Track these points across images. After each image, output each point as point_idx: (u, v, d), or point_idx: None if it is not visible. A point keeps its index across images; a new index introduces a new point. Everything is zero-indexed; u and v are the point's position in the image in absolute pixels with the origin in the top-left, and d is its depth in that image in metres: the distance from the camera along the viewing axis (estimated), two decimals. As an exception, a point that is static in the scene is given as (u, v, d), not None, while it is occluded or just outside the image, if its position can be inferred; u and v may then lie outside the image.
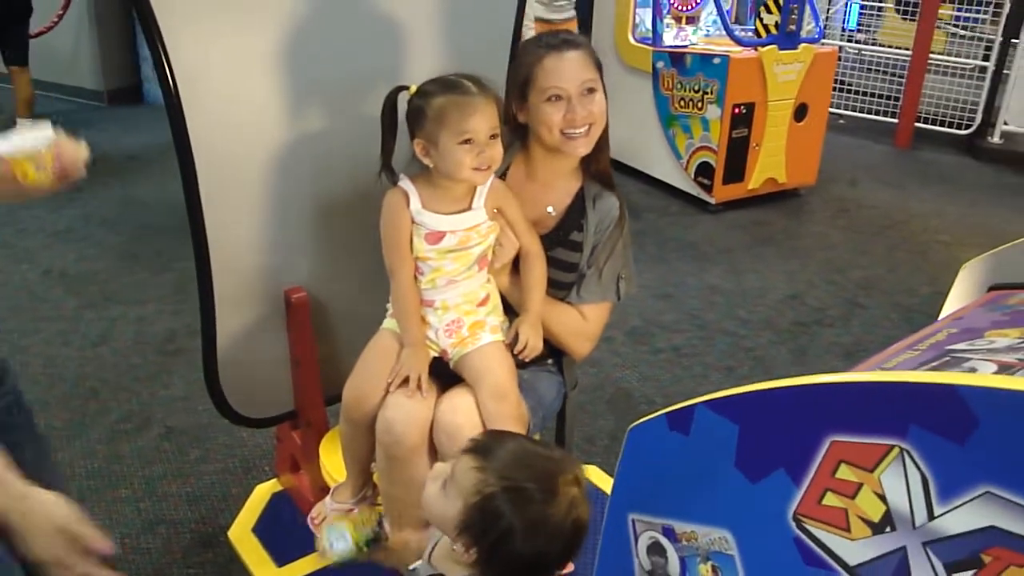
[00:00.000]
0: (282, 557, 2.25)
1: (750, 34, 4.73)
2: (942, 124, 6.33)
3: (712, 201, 4.86)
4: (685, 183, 4.97)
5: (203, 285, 1.97)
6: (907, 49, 6.31)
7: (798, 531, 0.78)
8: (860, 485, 0.73)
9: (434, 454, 1.76)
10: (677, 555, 0.91)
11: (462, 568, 1.20)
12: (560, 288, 1.89)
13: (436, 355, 1.80)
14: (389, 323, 1.85)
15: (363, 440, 1.84)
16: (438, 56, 2.05)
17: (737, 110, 4.64)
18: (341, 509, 1.92)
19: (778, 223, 4.83)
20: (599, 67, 1.83)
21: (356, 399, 1.80)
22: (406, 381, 1.74)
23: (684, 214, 4.89)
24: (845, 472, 0.73)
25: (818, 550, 0.77)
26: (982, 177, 5.79)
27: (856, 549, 0.74)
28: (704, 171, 4.84)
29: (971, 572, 0.66)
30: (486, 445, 1.22)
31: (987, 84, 6.07)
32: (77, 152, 1.46)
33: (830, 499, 0.75)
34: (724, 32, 4.75)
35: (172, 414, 2.91)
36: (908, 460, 0.69)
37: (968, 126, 6.23)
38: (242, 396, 2.13)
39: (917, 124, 6.28)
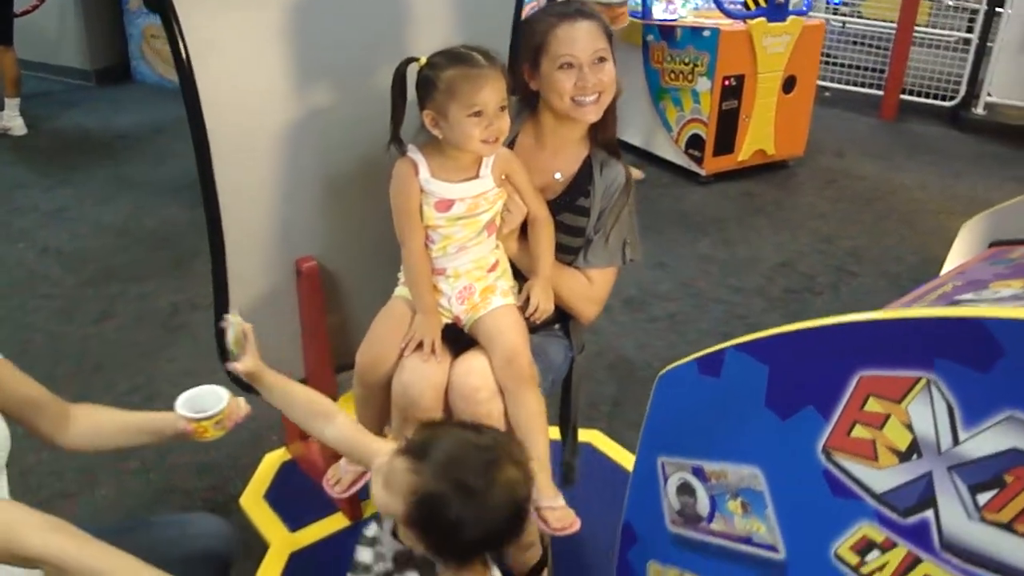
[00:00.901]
0: (294, 522, 2.30)
1: (739, 7, 4.75)
2: (927, 96, 6.39)
3: (702, 173, 4.91)
4: (676, 155, 5.02)
5: (216, 255, 2.01)
6: (891, 22, 6.36)
7: (827, 463, 0.83)
8: (888, 416, 0.78)
9: (449, 416, 1.81)
10: (707, 494, 0.96)
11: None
12: (567, 252, 1.94)
13: (449, 321, 1.85)
14: (401, 291, 1.89)
15: (376, 404, 1.89)
16: (443, 29, 2.08)
17: (727, 82, 4.68)
18: (356, 471, 1.97)
19: (767, 194, 4.89)
20: (610, 37, 1.88)
21: (370, 363, 1.85)
22: (420, 346, 1.79)
23: (675, 185, 4.94)
24: (873, 405, 0.78)
25: (846, 480, 0.82)
26: (967, 147, 5.86)
27: (883, 477, 0.79)
28: (695, 143, 4.88)
29: (993, 492, 0.72)
30: (418, 444, 1.23)
31: (971, 56, 6.13)
32: (242, 409, 1.60)
33: (858, 431, 0.80)
34: (713, 5, 4.78)
35: (178, 387, 2.91)
36: (935, 390, 0.74)
37: (952, 98, 6.30)
38: (253, 364, 2.17)
39: (902, 96, 6.34)
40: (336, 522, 2.29)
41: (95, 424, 1.57)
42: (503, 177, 1.81)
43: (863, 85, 6.62)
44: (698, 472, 0.96)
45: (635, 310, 3.55)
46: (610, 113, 1.92)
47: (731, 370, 0.90)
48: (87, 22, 6.44)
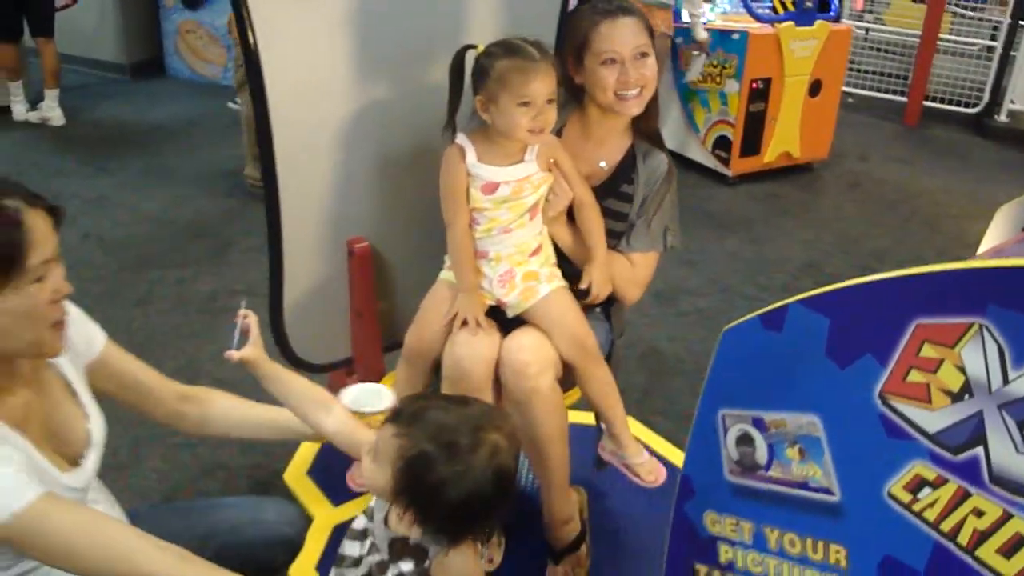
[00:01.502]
0: (337, 497, 2.37)
1: (767, 11, 4.83)
2: (950, 103, 6.44)
3: (729, 174, 4.99)
4: (703, 156, 5.09)
5: (273, 235, 2.09)
6: (913, 30, 6.42)
7: (883, 408, 0.91)
8: (942, 361, 0.85)
9: (498, 391, 1.89)
10: (765, 443, 1.04)
11: (417, 529, 1.26)
12: (611, 237, 2.02)
13: (492, 303, 1.93)
14: (446, 274, 1.98)
15: (419, 384, 1.98)
16: (492, 24, 2.17)
17: (755, 85, 4.76)
18: None
19: (793, 195, 4.96)
20: (651, 33, 1.96)
21: (417, 342, 1.94)
22: (464, 324, 1.88)
23: (702, 186, 5.01)
24: (928, 350, 0.86)
25: (901, 423, 0.90)
26: (989, 154, 5.91)
27: (936, 418, 0.87)
28: (722, 144, 4.96)
29: (1040, 427, 0.80)
30: (405, 412, 1.25)
31: (995, 65, 6.18)
32: None
33: (914, 376, 0.88)
34: (740, 9, 4.86)
35: (220, 367, 2.99)
36: (986, 334, 0.82)
37: (975, 105, 6.34)
38: (304, 342, 2.26)
39: (925, 103, 6.39)
40: (377, 496, 2.37)
41: (221, 413, 1.60)
42: (550, 162, 1.90)
43: (886, 92, 6.67)
44: (758, 422, 1.04)
45: (665, 304, 3.63)
46: (652, 105, 2.00)
47: (793, 324, 0.98)
48: (124, 17, 6.58)
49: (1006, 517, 0.84)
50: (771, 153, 5.03)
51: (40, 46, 5.48)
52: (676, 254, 4.00)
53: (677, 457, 2.55)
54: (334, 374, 2.50)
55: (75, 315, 1.42)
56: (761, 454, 1.05)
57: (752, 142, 4.93)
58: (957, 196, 5.07)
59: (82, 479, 1.40)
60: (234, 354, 1.46)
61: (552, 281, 1.93)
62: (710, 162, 5.06)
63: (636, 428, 2.69)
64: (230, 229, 4.17)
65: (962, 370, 0.85)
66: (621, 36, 1.89)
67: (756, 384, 1.04)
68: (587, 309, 2.04)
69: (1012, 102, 6.18)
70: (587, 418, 2.30)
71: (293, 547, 1.70)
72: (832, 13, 4.93)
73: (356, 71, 2.04)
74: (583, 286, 1.92)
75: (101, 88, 6.51)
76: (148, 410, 1.59)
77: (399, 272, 2.27)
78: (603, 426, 2.07)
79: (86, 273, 3.72)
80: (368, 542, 1.36)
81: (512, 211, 1.87)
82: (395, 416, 1.25)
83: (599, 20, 1.92)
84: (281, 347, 2.24)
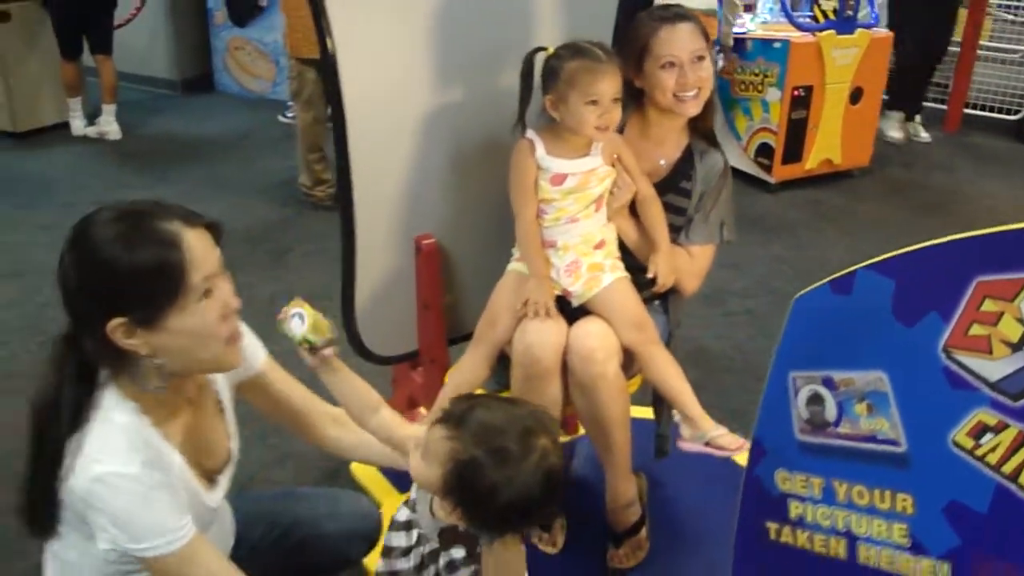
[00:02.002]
0: (403, 486, 2.47)
1: (808, 20, 4.91)
2: (990, 110, 6.45)
3: (771, 180, 5.05)
4: (745, 163, 5.16)
5: (346, 233, 2.20)
6: (954, 37, 6.44)
7: (947, 361, 1.00)
8: (1001, 314, 0.94)
9: (566, 377, 1.99)
10: (834, 401, 1.13)
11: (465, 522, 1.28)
12: (670, 231, 2.11)
13: (558, 293, 2.03)
14: (514, 265, 2.08)
15: (482, 369, 2.07)
16: (553, 28, 2.28)
17: (796, 92, 4.83)
18: None
19: (834, 201, 5.01)
20: (707, 38, 2.06)
21: (488, 328, 2.05)
22: (535, 312, 1.98)
23: (744, 193, 5.08)
24: (989, 305, 0.95)
25: (964, 374, 0.98)
26: (1031, 161, 5.91)
27: (997, 367, 0.96)
28: (763, 151, 5.03)
29: (1095, 369, 0.88)
30: (455, 414, 1.26)
31: (1036, 71, 6.19)
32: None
33: (975, 329, 0.96)
34: (780, 19, 4.94)
35: (287, 368, 3.15)
36: (1044, 288, 0.91)
37: (1017, 111, 6.34)
38: (373, 336, 2.36)
39: (965, 110, 6.40)
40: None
41: (362, 439, 1.58)
42: (614, 158, 2.00)
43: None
44: (827, 382, 1.13)
45: (712, 305, 3.70)
46: (708, 106, 2.10)
47: (861, 288, 1.07)
48: (175, 35, 6.80)
49: (1064, 456, 0.93)
50: (813, 160, 5.09)
51: (99, 63, 5.69)
52: (722, 258, 4.06)
53: (728, 447, 2.64)
54: (397, 367, 2.61)
55: (242, 330, 1.42)
56: (831, 412, 1.14)
57: (794, 149, 5.00)
58: (1000, 201, 5.10)
59: (218, 498, 1.45)
60: (325, 353, 1.44)
61: (615, 271, 2.02)
62: (752, 169, 5.13)
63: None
64: (286, 236, 4.32)
65: (1021, 321, 0.93)
66: (680, 41, 2.00)
67: (826, 346, 1.13)
68: (647, 302, 2.12)
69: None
70: (643, 412, 2.39)
71: (370, 540, 1.75)
72: (873, 21, 5.00)
73: (427, 76, 2.15)
74: (650, 275, 2.01)
75: (153, 104, 6.73)
76: (300, 431, 1.64)
77: (466, 267, 2.36)
78: (674, 416, 2.11)
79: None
80: (415, 532, 1.40)
81: (578, 202, 1.97)
82: (445, 417, 1.27)
83: (658, 26, 2.02)
84: (352, 341, 2.35)
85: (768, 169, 5.04)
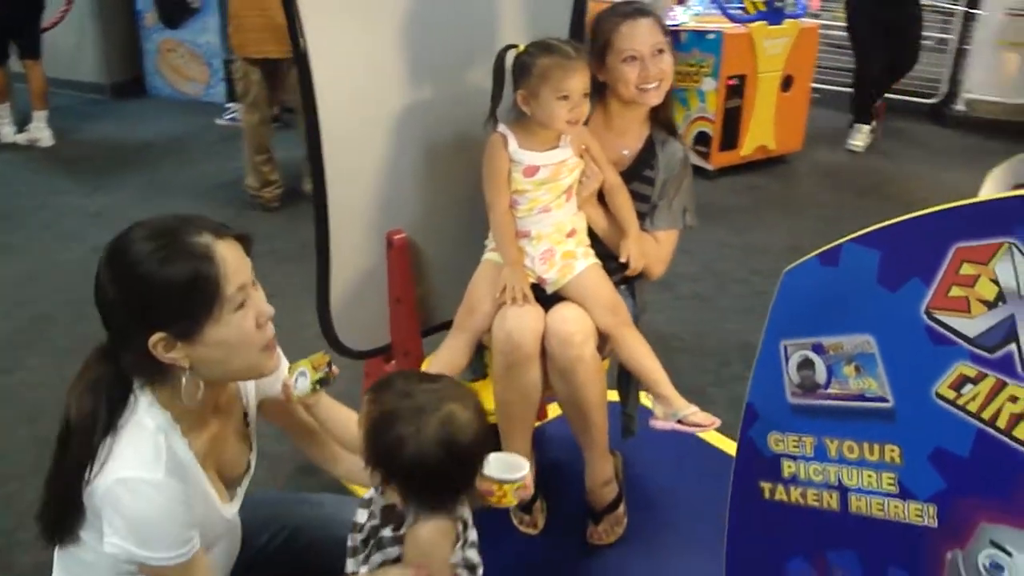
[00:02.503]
0: (378, 477, 2.53)
1: (739, 11, 5.08)
2: (910, 95, 6.73)
3: (710, 167, 5.22)
4: (683, 152, 5.30)
5: (320, 229, 2.24)
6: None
7: (929, 321, 1.10)
8: (978, 276, 1.05)
9: (544, 362, 2.07)
10: (824, 364, 1.23)
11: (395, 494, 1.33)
12: (636, 217, 2.21)
13: (533, 281, 2.11)
14: (490, 255, 2.14)
15: (462, 356, 2.13)
16: (516, 29, 2.35)
17: (731, 82, 5.00)
18: None
19: (771, 186, 5.20)
20: (666, 32, 2.16)
21: (467, 316, 2.11)
22: (512, 298, 2.04)
23: (684, 180, 5.23)
24: (966, 268, 1.06)
25: (945, 332, 1.09)
26: (951, 142, 6.21)
27: (975, 324, 1.06)
28: (701, 140, 5.19)
29: (1063, 319, 1.00)
30: (380, 383, 1.33)
31: (951, 56, 6.48)
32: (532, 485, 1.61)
33: (955, 291, 1.07)
34: (711, 11, 5.11)
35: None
36: (1015, 251, 1.02)
37: (934, 95, 6.64)
38: (348, 331, 2.40)
39: (886, 95, 6.67)
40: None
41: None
42: (582, 149, 2.08)
43: (847, 86, 6.94)
44: (817, 348, 1.23)
45: (663, 290, 3.81)
46: (667, 97, 2.19)
47: (847, 259, 1.17)
48: (104, 38, 6.68)
49: (1038, 400, 1.05)
50: (748, 147, 5.27)
51: (28, 68, 5.56)
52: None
53: (689, 426, 2.75)
54: (370, 362, 2.65)
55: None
56: (821, 375, 1.24)
57: (730, 137, 5.18)
58: (926, 181, 5.35)
59: (235, 510, 1.48)
60: (300, 395, 1.47)
61: (587, 258, 2.11)
62: (691, 157, 5.26)
63: (648, 402, 2.88)
64: (237, 236, 4.30)
65: (995, 282, 1.04)
66: (640, 35, 2.09)
67: (815, 314, 1.23)
68: (616, 286, 2.21)
69: (968, 91, 6.48)
70: (610, 395, 2.48)
71: None
72: (800, 11, 5.19)
73: (395, 74, 2.19)
74: (622, 259, 2.10)
75: (84, 109, 6.59)
76: (312, 453, 1.69)
77: (437, 260, 2.41)
78: (650, 397, 2.16)
79: (102, 284, 3.82)
80: (370, 510, 1.44)
81: (550, 192, 2.05)
82: (372, 388, 1.33)
83: (619, 22, 2.11)
84: (327, 336, 2.39)
85: (706, 156, 5.20)
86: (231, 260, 1.26)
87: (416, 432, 1.25)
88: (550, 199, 2.05)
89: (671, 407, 2.04)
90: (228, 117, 6.06)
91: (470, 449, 1.29)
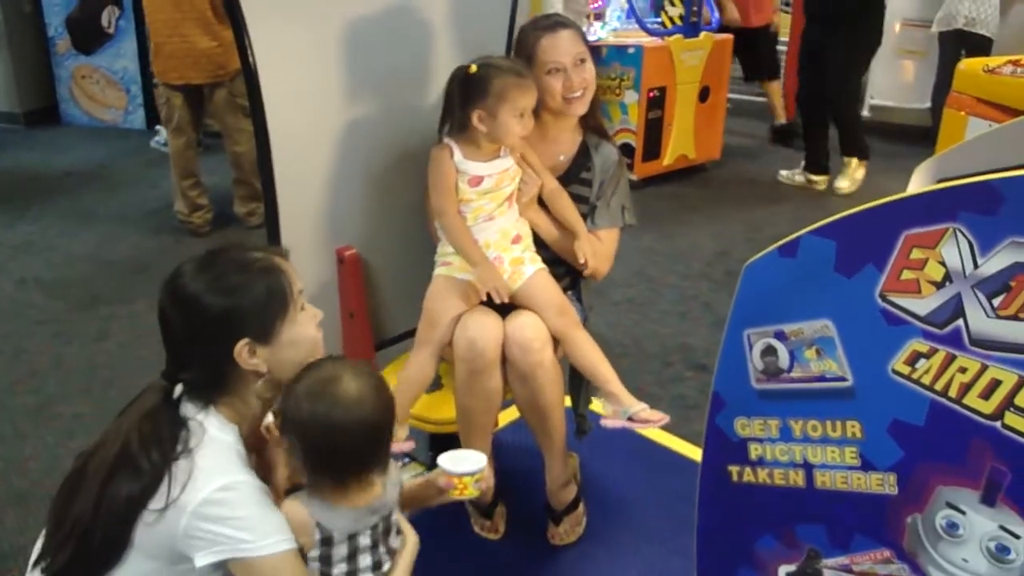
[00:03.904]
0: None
1: (657, 25, 5.25)
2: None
3: (634, 177, 5.35)
4: (609, 163, 5.45)
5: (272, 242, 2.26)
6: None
7: (883, 303, 1.20)
8: (927, 259, 1.15)
9: (504, 367, 2.12)
10: (786, 349, 1.32)
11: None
12: None
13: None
14: (441, 270, 2.17)
15: (429, 369, 2.17)
16: (455, 49, 2.43)
17: (651, 94, 5.16)
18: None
19: (694, 193, 5.38)
20: (586, 41, 2.25)
21: (429, 331, 2.13)
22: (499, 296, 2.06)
23: (611, 191, 5.36)
24: (916, 253, 1.16)
25: (898, 312, 1.19)
26: (859, 146, 6.48)
27: (926, 303, 1.17)
28: (624, 151, 5.30)
29: (1003, 295, 1.11)
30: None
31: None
32: (492, 477, 1.78)
33: (906, 275, 1.17)
34: (629, 26, 5.27)
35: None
36: (959, 234, 1.12)
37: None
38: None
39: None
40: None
41: None
42: (520, 156, 2.16)
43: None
44: (779, 335, 1.32)
45: (598, 296, 3.88)
46: (594, 103, 2.26)
47: (805, 250, 1.26)
48: (15, 65, 6.49)
49: (983, 368, 1.15)
50: (670, 156, 5.44)
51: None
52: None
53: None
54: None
55: None
56: (783, 360, 1.33)
57: (652, 147, 5.34)
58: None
59: None
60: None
61: (535, 263, 2.17)
62: (618, 165, 5.41)
63: (596, 406, 2.96)
64: (170, 264, 4.20)
65: (942, 264, 1.15)
66: (562, 47, 2.16)
67: (776, 303, 1.32)
68: (563, 290, 2.28)
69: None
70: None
71: None
72: (714, 25, 5.40)
73: (340, 93, 2.23)
74: (580, 259, 2.17)
75: (-5, 138, 6.41)
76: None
77: (387, 274, 2.45)
78: (600, 399, 2.23)
79: (34, 315, 3.73)
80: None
81: (493, 200, 2.11)
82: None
83: (540, 35, 2.18)
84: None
85: (630, 167, 5.34)
86: (288, 268, 1.45)
87: (313, 401, 1.36)
88: (493, 207, 2.12)
89: (621, 405, 2.10)
90: (157, 141, 5.99)
91: (356, 425, 1.37)
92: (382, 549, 1.46)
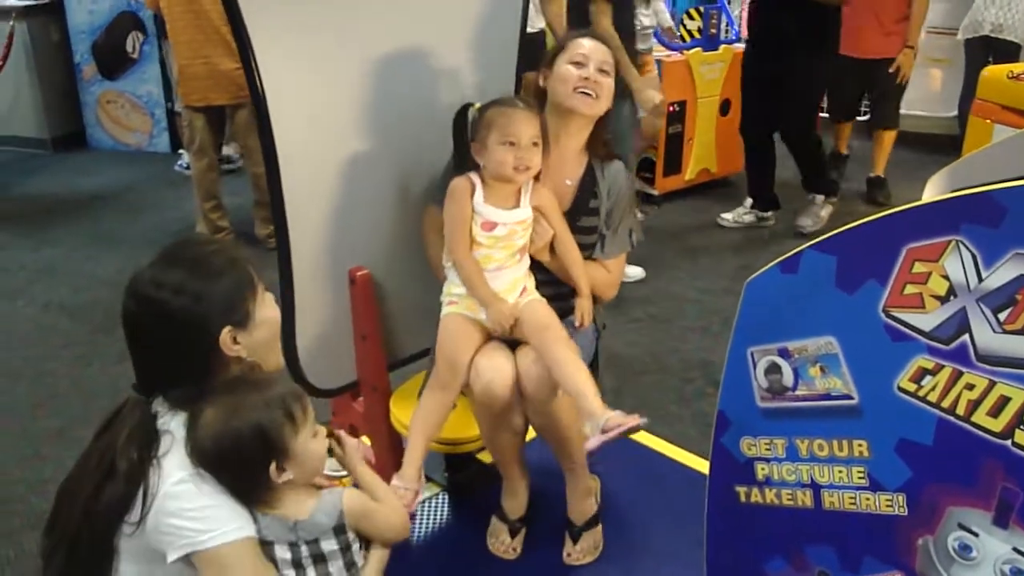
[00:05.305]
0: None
1: (676, 39, 5.23)
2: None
3: (655, 193, 5.33)
4: (629, 178, 5.42)
5: (284, 270, 2.26)
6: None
7: (886, 319, 1.17)
8: (930, 273, 1.12)
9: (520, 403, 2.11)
10: (790, 367, 1.29)
11: None
12: (583, 249, 2.23)
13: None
14: (448, 309, 2.14)
15: (444, 412, 2.13)
16: (467, 74, 2.44)
17: (671, 108, 5.12)
18: (413, 488, 2.13)
19: (716, 208, 5.31)
20: (614, 65, 2.21)
21: (450, 370, 2.09)
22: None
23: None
24: (918, 267, 1.13)
25: (902, 328, 1.16)
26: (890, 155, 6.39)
27: (930, 319, 1.13)
28: (646, 166, 5.31)
29: (1009, 309, 1.07)
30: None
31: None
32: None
33: (909, 289, 1.14)
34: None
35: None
36: (962, 247, 1.09)
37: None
38: (315, 370, 2.42)
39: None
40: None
41: None
42: (535, 208, 2.10)
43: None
44: (783, 352, 1.29)
45: (618, 314, 3.88)
46: (600, 125, 2.22)
47: (806, 266, 1.24)
48: (43, 92, 6.59)
49: (991, 385, 1.11)
50: (692, 171, 5.41)
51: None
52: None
53: (658, 445, 2.82)
54: (338, 400, 2.66)
55: None
56: (788, 378, 1.30)
57: (674, 161, 5.31)
58: (864, 191, 5.53)
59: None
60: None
61: (530, 295, 2.13)
62: (636, 183, 5.38)
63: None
64: (191, 285, 4.27)
65: (946, 277, 1.11)
66: (590, 47, 2.15)
67: (779, 321, 1.29)
68: (573, 311, 2.22)
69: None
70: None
71: None
72: (734, 37, 5.37)
73: (353, 113, 2.24)
74: (577, 324, 2.16)
75: (24, 164, 6.50)
76: None
77: (400, 295, 2.45)
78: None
79: (57, 340, 3.77)
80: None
81: (505, 250, 2.07)
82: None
83: (575, 35, 2.21)
84: (295, 376, 2.39)
85: (651, 182, 5.32)
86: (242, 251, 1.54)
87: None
88: (504, 257, 2.08)
89: (595, 419, 1.98)
90: (180, 164, 6.06)
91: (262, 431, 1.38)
92: (311, 573, 1.45)
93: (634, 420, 1.88)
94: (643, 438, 2.86)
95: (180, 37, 4.41)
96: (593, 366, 2.41)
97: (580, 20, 3.80)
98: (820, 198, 4.95)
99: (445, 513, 2.56)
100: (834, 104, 5.59)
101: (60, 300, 4.22)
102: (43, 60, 6.51)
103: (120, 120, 6.75)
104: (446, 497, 2.62)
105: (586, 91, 2.13)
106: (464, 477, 2.65)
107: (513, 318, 2.06)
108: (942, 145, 6.20)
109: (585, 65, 2.13)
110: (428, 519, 2.53)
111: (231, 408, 1.38)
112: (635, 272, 4.25)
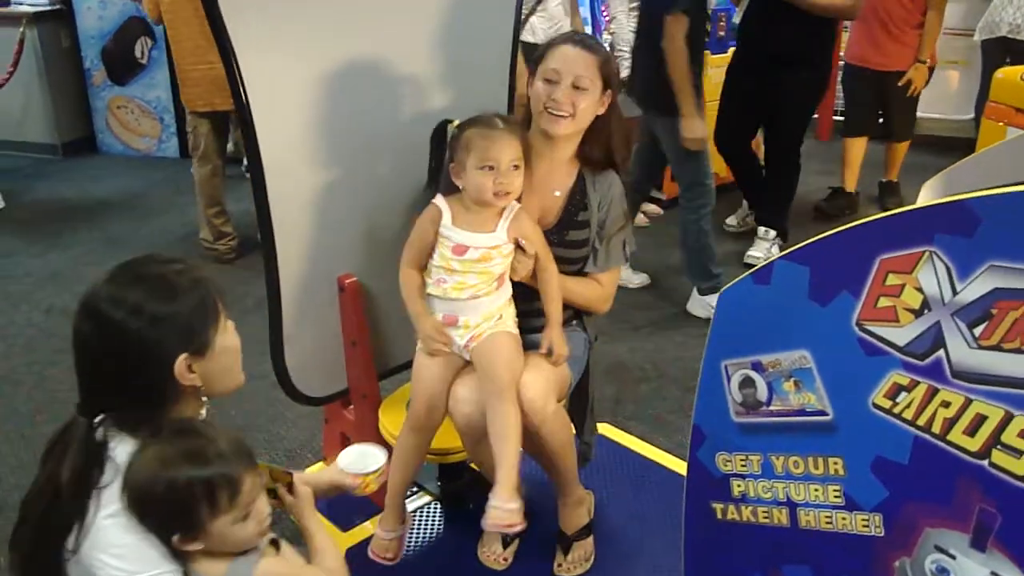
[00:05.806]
0: (344, 524, 2.51)
1: (683, 43, 5.16)
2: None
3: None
4: (636, 182, 5.36)
5: (270, 278, 2.24)
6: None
7: (860, 332, 1.12)
8: (903, 285, 1.07)
9: None
10: (764, 381, 1.25)
11: None
12: (573, 263, 2.18)
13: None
14: (421, 343, 2.09)
15: (421, 452, 2.14)
16: (455, 79, 2.40)
17: (678, 111, 5.04)
18: (395, 536, 2.20)
19: (725, 212, 5.24)
20: (604, 79, 2.08)
21: (426, 409, 2.07)
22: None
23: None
24: (892, 279, 1.08)
25: (876, 342, 1.11)
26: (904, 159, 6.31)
27: (904, 332, 1.09)
28: (653, 170, 5.23)
29: (984, 324, 1.02)
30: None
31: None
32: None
33: (882, 302, 1.09)
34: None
35: (220, 411, 3.12)
36: (935, 259, 1.04)
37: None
38: (304, 378, 2.40)
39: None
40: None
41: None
42: (515, 240, 2.02)
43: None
44: (756, 366, 1.24)
45: (620, 320, 3.85)
46: (594, 133, 2.14)
47: (779, 277, 1.19)
48: (53, 98, 6.61)
49: (967, 403, 1.06)
50: (700, 174, 5.31)
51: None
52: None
53: (654, 455, 2.77)
54: (330, 408, 2.64)
55: None
56: (762, 392, 1.26)
57: (681, 165, 5.21)
58: (875, 195, 5.46)
59: None
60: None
61: (501, 326, 2.05)
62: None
63: (613, 433, 2.89)
64: (194, 290, 4.26)
65: (920, 290, 1.07)
66: (565, 59, 2.06)
67: (752, 333, 1.24)
68: (564, 324, 2.16)
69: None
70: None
71: None
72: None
73: (339, 121, 2.22)
74: (542, 351, 2.06)
75: (34, 169, 6.52)
76: None
77: (389, 302, 2.42)
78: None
79: (60, 345, 3.76)
80: None
81: (481, 277, 2.00)
82: None
83: (560, 41, 2.12)
84: (283, 385, 2.37)
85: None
86: (209, 275, 1.43)
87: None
88: (479, 285, 2.01)
89: (492, 499, 1.93)
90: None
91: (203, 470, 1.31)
92: None
93: (517, 527, 1.92)
94: (639, 447, 2.82)
95: (183, 43, 4.40)
96: (583, 374, 2.37)
97: (652, 31, 3.55)
98: (772, 233, 4.52)
99: (437, 522, 2.53)
100: (850, 116, 5.48)
101: (63, 306, 4.21)
102: (53, 66, 6.53)
103: (130, 125, 6.77)
104: (438, 506, 2.58)
105: (554, 112, 2.05)
106: (456, 486, 2.61)
107: (442, 335, 2.02)
108: (958, 148, 6.10)
109: (557, 83, 2.04)
110: (420, 528, 2.50)
111: (165, 458, 1.30)
112: (639, 278, 4.21)
